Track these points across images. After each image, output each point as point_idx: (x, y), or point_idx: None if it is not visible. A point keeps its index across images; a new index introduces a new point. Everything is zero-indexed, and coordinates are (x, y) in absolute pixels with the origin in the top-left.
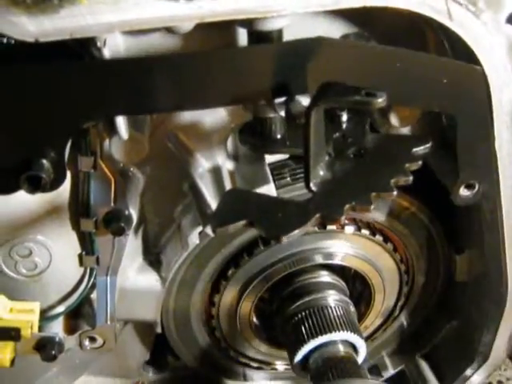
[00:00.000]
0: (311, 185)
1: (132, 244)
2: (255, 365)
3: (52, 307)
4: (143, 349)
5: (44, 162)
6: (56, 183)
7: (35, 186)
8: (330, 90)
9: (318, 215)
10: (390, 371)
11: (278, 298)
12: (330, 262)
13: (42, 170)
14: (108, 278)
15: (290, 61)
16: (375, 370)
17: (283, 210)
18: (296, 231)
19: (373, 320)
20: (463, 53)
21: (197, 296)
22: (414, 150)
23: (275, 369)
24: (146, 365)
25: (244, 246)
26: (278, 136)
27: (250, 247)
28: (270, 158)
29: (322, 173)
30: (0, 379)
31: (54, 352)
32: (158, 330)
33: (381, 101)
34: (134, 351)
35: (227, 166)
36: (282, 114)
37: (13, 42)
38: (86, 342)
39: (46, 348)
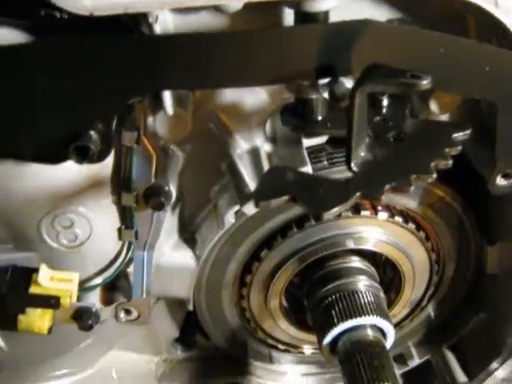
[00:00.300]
0: (352, 164)
1: (169, 221)
2: (282, 347)
3: (90, 279)
4: (173, 326)
5: (92, 133)
6: (103, 154)
7: (83, 157)
8: (375, 72)
9: (358, 194)
10: (416, 361)
11: (308, 281)
12: (361, 247)
13: (90, 141)
14: (145, 252)
15: (335, 42)
16: (401, 358)
17: (324, 188)
18: (337, 208)
19: (401, 308)
20: (506, 40)
21: (229, 276)
22: (454, 135)
23: (302, 352)
24: (175, 342)
25: (278, 228)
26: (320, 117)
27: (283, 229)
28: (307, 143)
29: (362, 154)
30: (35, 348)
31: (90, 322)
32: (190, 307)
33: (426, 83)
34: (164, 328)
35: (265, 147)
36: (325, 95)
37: (66, 16)
38: (122, 314)
39: (83, 318)
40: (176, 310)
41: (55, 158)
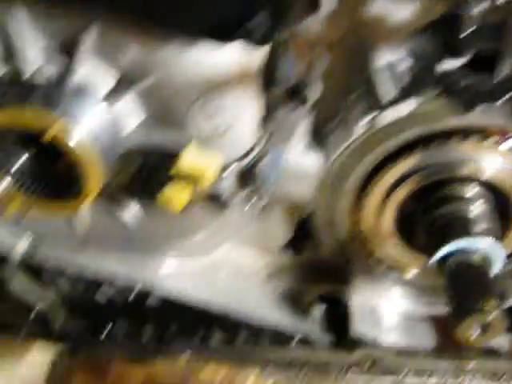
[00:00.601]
0: (498, 75)
1: (303, 124)
2: (387, 266)
3: (227, 166)
4: (286, 229)
5: (259, 19)
6: (265, 41)
7: (249, 39)
8: None
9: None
10: None
11: (425, 201)
12: (481, 174)
13: (256, 26)
14: (279, 148)
15: None
16: (503, 295)
17: (471, 89)
18: (484, 105)
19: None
20: None
21: (349, 186)
22: None
23: (406, 274)
24: (286, 245)
25: (404, 144)
26: (469, 32)
27: (409, 146)
28: (449, 63)
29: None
30: (162, 225)
31: (221, 205)
32: (307, 212)
33: None
34: (278, 229)
35: (406, 62)
36: (476, 10)
37: None
38: (250, 203)
39: (216, 201)
40: (292, 213)
41: (224, 36)
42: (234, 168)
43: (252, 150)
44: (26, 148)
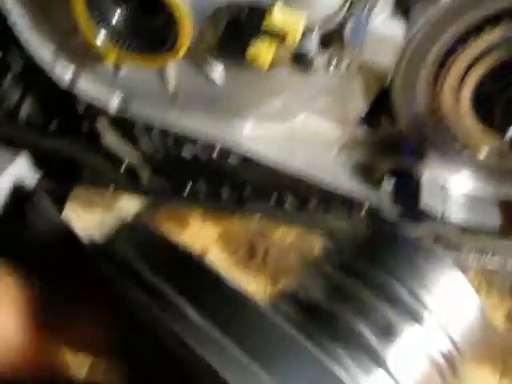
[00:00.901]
0: None
1: None
2: (460, 144)
3: (312, 26)
4: (363, 102)
5: None
6: None
7: None
8: None
9: None
10: None
11: (503, 79)
12: None
13: None
14: (364, 12)
15: None
16: None
17: None
18: None
19: None
20: None
21: (430, 58)
22: None
23: (477, 153)
24: (361, 120)
25: (490, 16)
26: None
27: (495, 18)
28: None
29: None
30: (248, 85)
31: (304, 65)
32: (387, 81)
33: None
34: (355, 101)
35: None
36: None
37: None
38: (333, 64)
39: (300, 60)
40: (370, 86)
41: None
42: (320, 29)
43: (338, 11)
44: (121, 2)
